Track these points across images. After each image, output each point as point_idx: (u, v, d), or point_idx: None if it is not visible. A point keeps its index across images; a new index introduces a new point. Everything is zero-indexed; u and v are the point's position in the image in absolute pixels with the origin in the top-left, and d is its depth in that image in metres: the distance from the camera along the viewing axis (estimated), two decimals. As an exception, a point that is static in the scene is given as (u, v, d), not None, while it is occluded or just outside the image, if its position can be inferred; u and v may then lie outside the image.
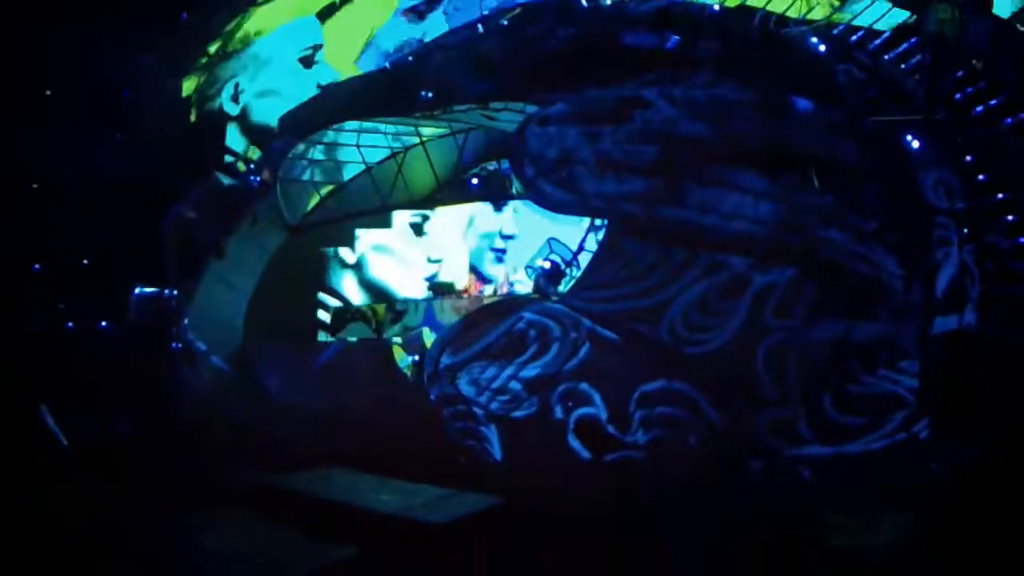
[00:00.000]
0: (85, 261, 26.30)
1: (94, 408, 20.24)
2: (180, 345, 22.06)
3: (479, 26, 20.06)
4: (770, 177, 14.99)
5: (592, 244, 19.79)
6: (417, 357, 19.02)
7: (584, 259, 19.67)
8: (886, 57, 16.21)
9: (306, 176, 23.27)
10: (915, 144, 15.04)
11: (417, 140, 21.42)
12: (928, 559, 11.31)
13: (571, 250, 20.73)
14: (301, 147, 22.57)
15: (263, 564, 13.96)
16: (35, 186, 29.35)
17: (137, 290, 23.40)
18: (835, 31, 16.79)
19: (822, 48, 16.36)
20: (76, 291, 25.81)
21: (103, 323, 24.51)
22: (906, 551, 11.85)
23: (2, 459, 16.02)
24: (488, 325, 16.72)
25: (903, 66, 15.96)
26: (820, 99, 15.50)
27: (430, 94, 18.87)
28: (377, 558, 13.66)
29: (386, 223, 23.42)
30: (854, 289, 14.65)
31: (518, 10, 19.64)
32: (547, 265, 20.46)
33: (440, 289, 23.31)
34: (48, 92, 29.46)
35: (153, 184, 25.05)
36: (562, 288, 19.23)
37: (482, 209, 23.33)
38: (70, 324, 26.05)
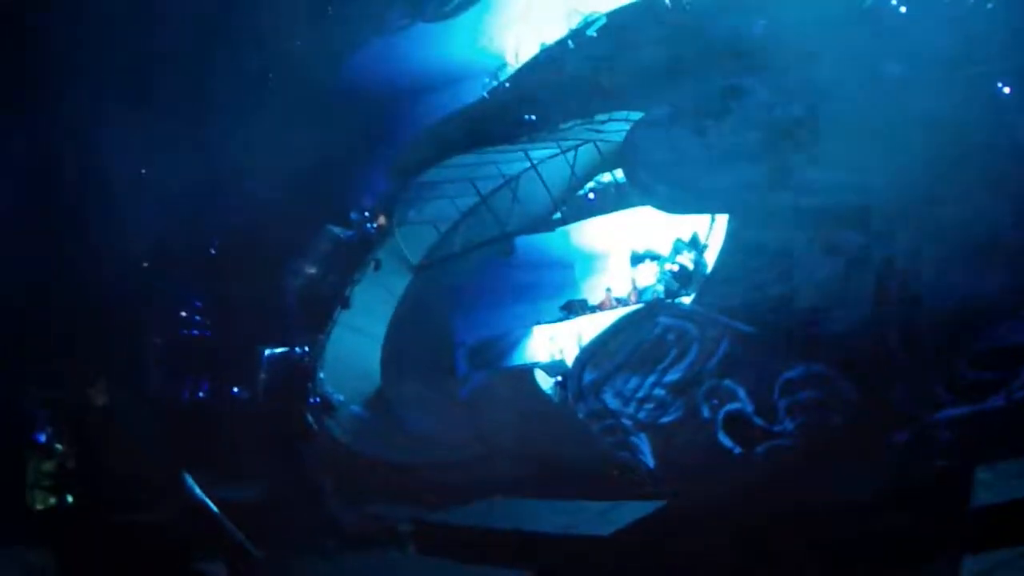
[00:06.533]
0: (210, 330, 28.58)
1: (237, 472, 21.18)
2: (318, 399, 23.80)
3: (569, 42, 21.85)
4: (875, 146, 15.94)
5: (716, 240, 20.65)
6: (560, 378, 19.90)
7: (711, 255, 20.82)
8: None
9: (423, 216, 25.35)
10: (1006, 90, 16.00)
11: (528, 164, 23.23)
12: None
13: (698, 248, 22.01)
14: (414, 189, 24.47)
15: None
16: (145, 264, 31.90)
17: (267, 351, 25.46)
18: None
19: (906, 10, 17.30)
20: (205, 359, 28.05)
21: (235, 388, 26.71)
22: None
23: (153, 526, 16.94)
24: (626, 335, 17.73)
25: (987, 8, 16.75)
26: (914, 62, 16.39)
27: (533, 116, 20.50)
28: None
29: (508, 251, 25.16)
30: (970, 244, 15.39)
31: (603, 20, 21.30)
32: (675, 268, 22.03)
33: (574, 307, 24.77)
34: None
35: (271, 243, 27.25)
36: (693, 288, 20.50)
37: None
38: (201, 393, 28.37)
